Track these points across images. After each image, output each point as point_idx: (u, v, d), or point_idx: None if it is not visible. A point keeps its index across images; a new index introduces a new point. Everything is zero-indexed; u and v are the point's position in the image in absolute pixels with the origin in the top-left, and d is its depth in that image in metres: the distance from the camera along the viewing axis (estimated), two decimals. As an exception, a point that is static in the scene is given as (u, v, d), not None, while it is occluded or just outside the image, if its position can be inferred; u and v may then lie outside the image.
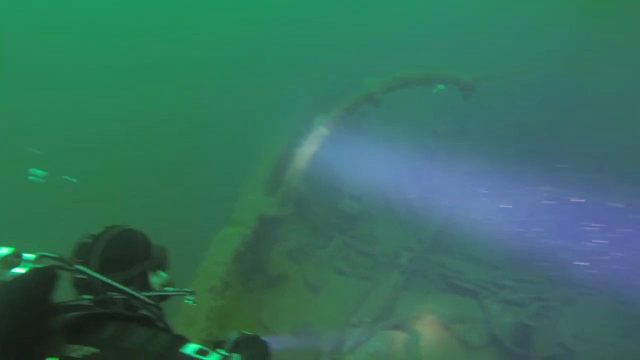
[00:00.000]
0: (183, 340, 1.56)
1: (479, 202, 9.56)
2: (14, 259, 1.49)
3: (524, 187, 9.45)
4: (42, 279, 1.43)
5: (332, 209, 8.95)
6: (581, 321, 6.45)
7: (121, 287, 1.66)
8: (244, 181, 7.28)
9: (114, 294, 1.65)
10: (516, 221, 9.19)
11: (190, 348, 1.52)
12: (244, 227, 6.20)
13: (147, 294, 1.79)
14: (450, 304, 6.82)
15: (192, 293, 2.01)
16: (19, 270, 1.46)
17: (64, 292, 1.59)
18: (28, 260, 1.53)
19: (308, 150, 6.39)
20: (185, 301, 2.03)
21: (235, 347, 1.88)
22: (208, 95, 17.42)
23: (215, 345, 1.93)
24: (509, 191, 9.81)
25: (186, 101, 17.21)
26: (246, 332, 2.04)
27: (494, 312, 6.51)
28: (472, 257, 8.27)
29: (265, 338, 2.10)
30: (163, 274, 2.00)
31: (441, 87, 5.99)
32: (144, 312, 1.70)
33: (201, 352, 1.52)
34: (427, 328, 6.29)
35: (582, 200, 9.02)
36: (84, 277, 1.61)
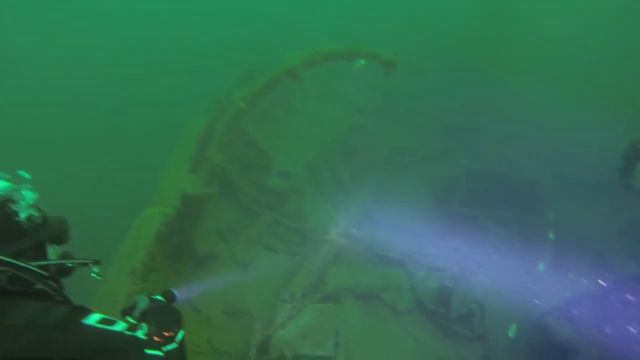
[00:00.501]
0: (85, 311, 1.42)
1: (406, 174, 9.89)
2: None
3: (449, 160, 9.89)
4: None
5: (260, 186, 8.77)
6: (490, 278, 6.89)
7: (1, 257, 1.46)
8: (166, 160, 6.88)
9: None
10: (440, 189, 9.65)
11: (93, 318, 1.39)
12: (166, 208, 5.86)
13: (38, 263, 1.58)
14: (378, 274, 6.98)
15: (96, 263, 1.80)
16: None
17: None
18: None
19: (229, 126, 6.12)
20: (92, 275, 1.83)
21: (144, 316, 1.77)
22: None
23: (123, 312, 1.83)
24: (434, 164, 10.25)
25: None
26: (157, 297, 1.93)
27: (419, 279, 6.77)
28: (399, 229, 8.54)
29: (178, 291, 2.05)
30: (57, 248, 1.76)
31: (362, 62, 5.95)
32: (39, 286, 1.52)
33: (105, 321, 1.41)
34: (357, 299, 6.40)
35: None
36: None
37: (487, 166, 9.70)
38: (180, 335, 1.67)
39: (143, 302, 1.84)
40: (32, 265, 1.53)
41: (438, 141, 10.72)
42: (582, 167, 9.61)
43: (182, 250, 6.76)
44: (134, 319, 1.76)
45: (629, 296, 3.98)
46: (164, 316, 1.77)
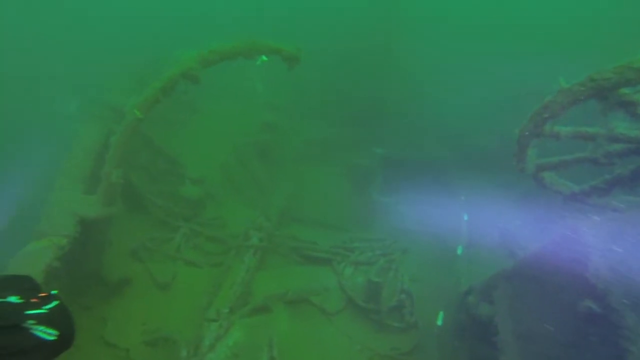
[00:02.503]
0: None
1: (323, 170, 9.70)
2: None
3: (362, 149, 9.86)
4: None
5: (174, 197, 8.08)
6: (415, 265, 6.97)
7: None
8: (54, 181, 5.95)
9: None
10: (356, 181, 9.59)
11: None
12: (59, 238, 5.04)
13: None
14: (306, 276, 6.73)
15: None
16: None
17: None
18: None
19: (125, 138, 5.41)
20: None
21: None
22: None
23: None
24: (348, 154, 10.17)
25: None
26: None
27: (347, 276, 6.63)
28: (323, 224, 8.34)
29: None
30: None
31: (264, 58, 5.52)
32: None
33: None
34: (286, 306, 6.09)
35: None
36: None
37: (400, 153, 9.84)
38: (54, 292, 1.62)
39: None
40: None
41: (349, 131, 10.67)
42: (483, 147, 10.12)
43: (87, 282, 5.95)
44: None
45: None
46: (22, 284, 1.68)
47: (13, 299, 1.47)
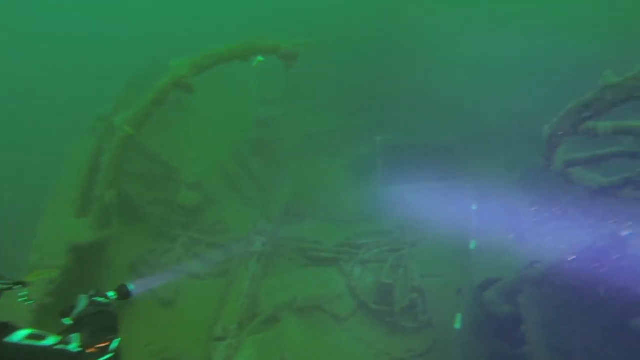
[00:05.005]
0: (8, 328, 1.38)
1: (324, 163, 9.17)
2: None
3: (366, 139, 9.26)
4: None
5: (170, 205, 7.57)
6: (425, 259, 6.51)
7: None
8: (42, 207, 5.43)
9: None
10: (359, 173, 9.07)
11: (19, 335, 1.37)
12: (50, 270, 4.56)
13: None
14: (313, 279, 6.29)
15: (22, 284, 1.67)
16: None
17: None
18: None
19: (115, 157, 4.89)
20: (19, 300, 1.76)
21: (79, 322, 1.74)
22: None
23: (61, 313, 1.81)
24: (349, 144, 9.60)
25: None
26: (109, 293, 1.94)
27: (356, 277, 6.21)
28: (326, 219, 7.88)
29: (135, 285, 2.07)
30: None
31: (260, 59, 5.01)
32: None
33: (33, 337, 1.40)
34: (296, 314, 5.68)
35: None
36: None
37: (401, 138, 9.27)
38: (115, 343, 1.61)
39: (82, 303, 1.81)
40: None
41: (351, 121, 10.06)
42: (484, 126, 9.53)
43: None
44: (71, 319, 1.76)
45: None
46: (99, 323, 1.72)
47: (73, 346, 1.47)
